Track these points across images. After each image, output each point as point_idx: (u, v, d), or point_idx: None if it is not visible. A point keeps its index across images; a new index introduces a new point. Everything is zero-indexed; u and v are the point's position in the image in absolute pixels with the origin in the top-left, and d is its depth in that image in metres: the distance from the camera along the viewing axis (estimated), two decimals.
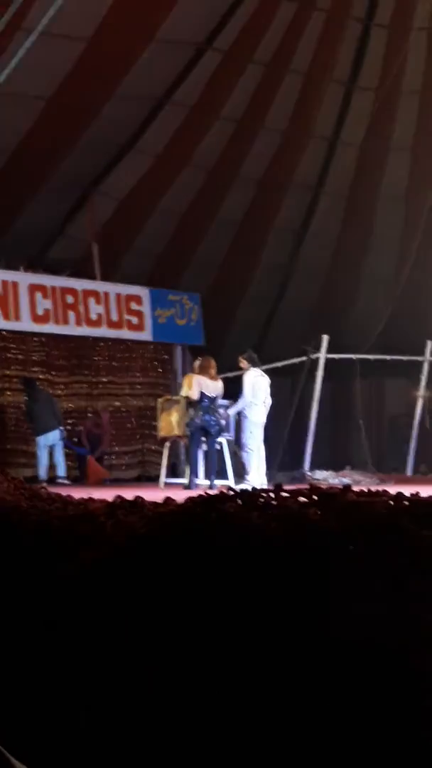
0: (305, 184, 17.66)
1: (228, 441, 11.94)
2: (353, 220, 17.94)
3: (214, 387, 11.26)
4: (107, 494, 2.98)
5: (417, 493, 2.00)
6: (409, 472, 16.00)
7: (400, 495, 2.06)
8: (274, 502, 2.02)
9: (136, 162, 15.74)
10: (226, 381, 12.00)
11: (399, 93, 16.60)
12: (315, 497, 2.00)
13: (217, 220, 17.16)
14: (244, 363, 11.75)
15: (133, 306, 15.39)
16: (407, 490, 2.07)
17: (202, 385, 11.15)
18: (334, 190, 17.75)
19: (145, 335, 15.59)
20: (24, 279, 14.28)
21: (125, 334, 15.37)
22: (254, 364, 11.75)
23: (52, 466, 13.45)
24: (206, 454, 11.30)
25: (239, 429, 11.78)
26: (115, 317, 15.13)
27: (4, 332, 14.18)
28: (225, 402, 11.66)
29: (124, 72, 14.01)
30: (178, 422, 11.37)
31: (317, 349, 14.73)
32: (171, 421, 11.54)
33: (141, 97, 14.91)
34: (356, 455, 16.47)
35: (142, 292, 15.57)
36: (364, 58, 16.27)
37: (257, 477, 11.27)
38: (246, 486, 10.66)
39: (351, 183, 17.74)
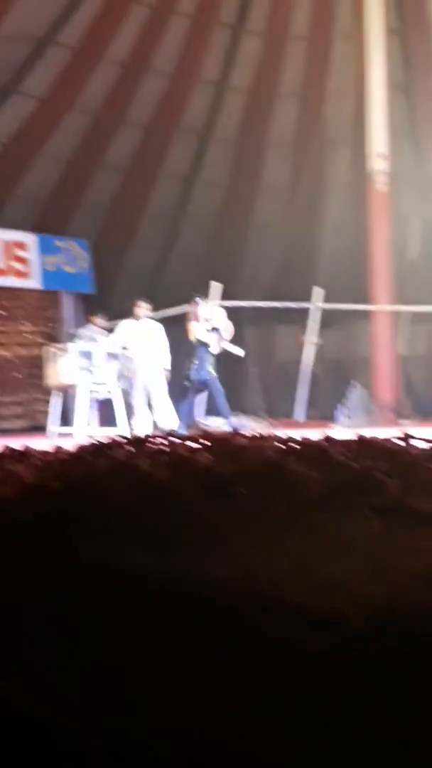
0: (193, 129, 17.51)
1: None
2: (242, 166, 17.90)
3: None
4: None
5: (305, 437, 2.03)
6: (299, 417, 16.24)
7: (288, 438, 2.09)
8: (165, 449, 2.02)
9: (18, 105, 15.29)
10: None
11: (286, 38, 16.54)
12: (206, 443, 2.00)
13: (104, 166, 16.87)
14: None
15: (19, 252, 15.03)
16: (296, 434, 2.10)
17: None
18: (222, 135, 17.65)
19: (33, 283, 15.28)
20: None
21: (11, 281, 15.03)
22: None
23: None
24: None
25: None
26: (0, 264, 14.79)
27: None
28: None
29: (3, 11, 13.52)
30: (64, 371, 11.30)
31: (207, 296, 14.73)
32: (58, 370, 11.46)
33: (21, 38, 14.44)
34: (248, 402, 16.62)
35: (28, 238, 15.22)
36: (251, 1, 16.13)
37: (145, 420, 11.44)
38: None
39: (239, 129, 17.67)
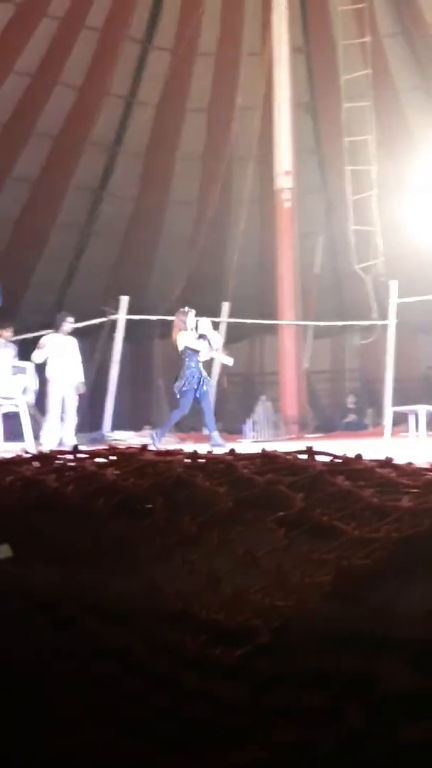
0: (102, 142, 17.50)
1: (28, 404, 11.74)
2: (151, 180, 17.95)
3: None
4: None
5: (210, 452, 2.05)
6: (206, 431, 16.30)
7: (195, 453, 2.11)
8: (71, 464, 2.02)
9: None
10: (24, 342, 11.79)
11: (195, 54, 16.68)
12: (113, 458, 2.01)
13: (12, 177, 16.70)
14: None
15: None
16: (203, 449, 2.12)
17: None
18: (131, 149, 17.68)
19: None
20: None
21: None
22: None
23: None
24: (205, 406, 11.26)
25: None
26: None
27: None
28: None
29: None
30: None
31: (117, 310, 14.68)
32: None
33: None
34: (156, 415, 16.61)
35: None
36: (159, 18, 16.23)
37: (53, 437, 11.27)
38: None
39: (148, 143, 17.72)
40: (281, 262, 15.29)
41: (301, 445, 2.07)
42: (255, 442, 13.12)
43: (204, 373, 11.25)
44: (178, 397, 11.17)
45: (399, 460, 2.01)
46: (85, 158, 17.39)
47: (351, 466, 1.87)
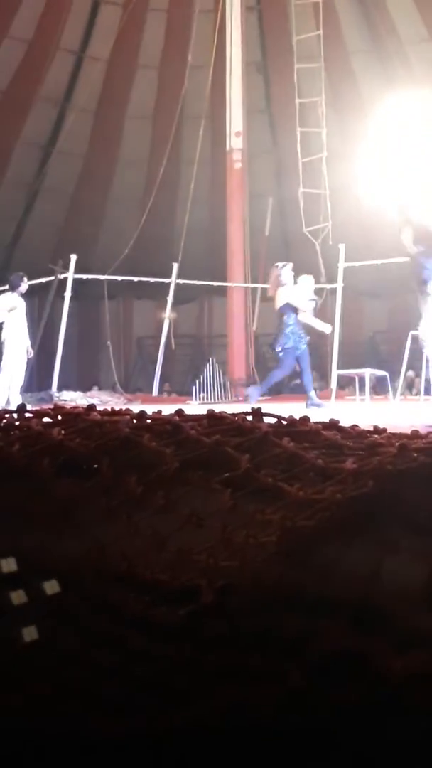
0: (52, 98, 17.20)
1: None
2: (101, 137, 17.73)
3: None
4: None
5: (159, 412, 2.04)
6: (155, 392, 16.31)
7: (141, 414, 2.10)
8: (16, 423, 2.00)
9: None
10: None
11: (147, 9, 16.43)
12: (59, 417, 1.99)
13: None
14: None
15: None
16: (150, 409, 2.11)
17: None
18: (81, 105, 17.41)
19: None
20: None
21: None
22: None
23: None
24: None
25: None
26: None
27: None
28: None
29: None
30: None
31: (65, 268, 14.54)
32: None
33: None
34: (104, 376, 16.57)
35: None
36: None
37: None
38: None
39: (99, 99, 17.47)
40: (231, 223, 15.25)
41: (248, 408, 2.08)
42: (202, 403, 13.16)
43: (303, 331, 10.64)
44: (280, 355, 10.64)
45: (344, 422, 2.02)
46: (34, 114, 17.10)
47: (297, 428, 1.88)
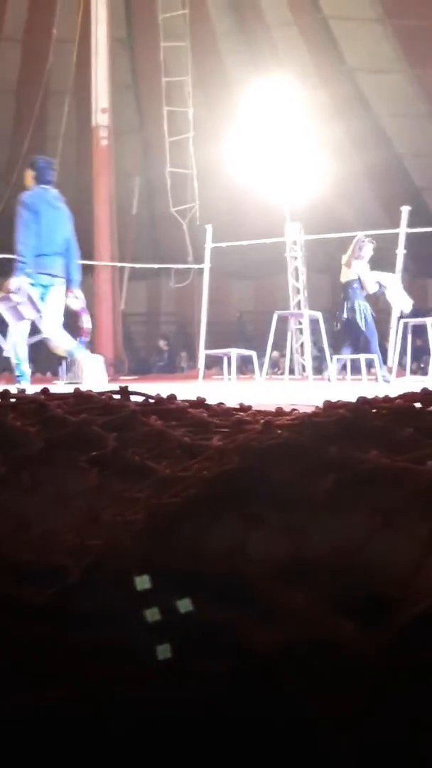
0: None
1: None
2: None
3: None
4: None
5: (23, 390, 2.02)
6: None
7: (5, 393, 2.07)
8: None
9: None
10: None
11: None
12: None
13: None
14: None
15: None
16: (14, 389, 2.08)
17: None
18: None
19: None
20: None
21: None
22: None
23: None
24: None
25: None
26: None
27: None
28: None
29: None
30: None
31: None
32: None
33: None
34: None
35: None
36: None
37: None
38: None
39: None
40: (98, 201, 15.10)
41: (116, 387, 2.07)
42: (69, 383, 13.01)
43: (366, 308, 10.85)
44: (363, 329, 10.74)
45: (211, 400, 2.04)
46: None
47: (164, 407, 1.89)
